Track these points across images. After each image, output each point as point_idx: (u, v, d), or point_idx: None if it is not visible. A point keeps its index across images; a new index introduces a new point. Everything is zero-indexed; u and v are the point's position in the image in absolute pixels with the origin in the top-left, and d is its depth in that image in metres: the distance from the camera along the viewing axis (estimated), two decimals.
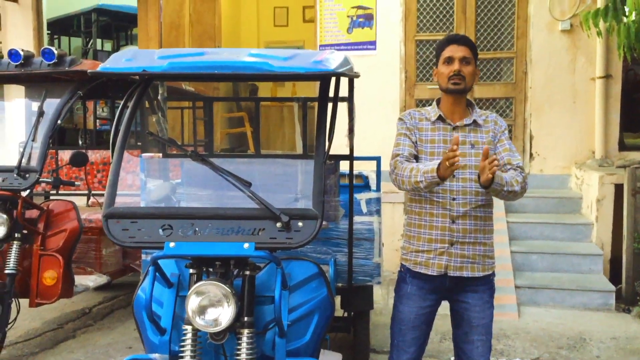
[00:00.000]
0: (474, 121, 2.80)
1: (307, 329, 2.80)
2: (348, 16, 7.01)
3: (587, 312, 5.06)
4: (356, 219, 3.77)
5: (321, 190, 2.63)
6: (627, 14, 4.48)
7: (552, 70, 6.60)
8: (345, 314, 4.26)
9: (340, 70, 2.66)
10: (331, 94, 3.12)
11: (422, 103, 6.82)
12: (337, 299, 4.07)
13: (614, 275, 5.57)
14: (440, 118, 2.78)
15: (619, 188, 5.62)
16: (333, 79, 2.91)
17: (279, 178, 3.12)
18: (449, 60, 2.74)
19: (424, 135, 2.78)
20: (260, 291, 2.71)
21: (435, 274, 2.74)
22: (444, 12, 6.89)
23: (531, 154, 6.71)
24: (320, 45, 7.10)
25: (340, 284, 3.81)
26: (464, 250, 2.73)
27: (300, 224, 2.54)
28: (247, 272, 2.58)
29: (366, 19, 6.98)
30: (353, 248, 3.67)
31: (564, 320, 4.86)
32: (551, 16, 6.48)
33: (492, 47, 6.84)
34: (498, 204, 6.23)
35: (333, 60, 2.70)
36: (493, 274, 2.86)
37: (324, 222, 2.89)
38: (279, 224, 2.52)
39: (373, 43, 7.05)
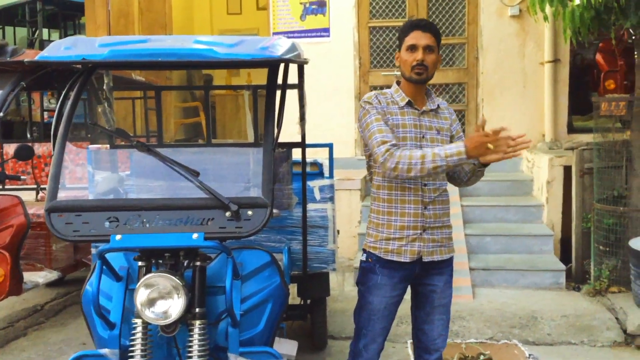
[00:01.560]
0: (438, 106, 2.83)
1: (260, 317, 2.79)
2: (301, 3, 6.97)
3: (539, 292, 5.18)
4: (310, 206, 3.76)
5: (270, 178, 2.61)
6: None
7: (503, 55, 6.70)
8: (302, 302, 4.28)
9: (287, 56, 2.64)
10: (282, 81, 3.12)
11: (377, 90, 6.84)
12: (293, 287, 4.09)
13: (564, 255, 5.72)
14: (409, 103, 2.77)
15: (567, 170, 5.76)
16: (281, 66, 2.88)
17: (229, 167, 3.08)
18: (413, 48, 2.71)
19: (395, 120, 2.74)
20: (211, 282, 2.68)
21: (408, 260, 2.73)
22: None
23: None
24: (274, 33, 7.04)
25: (295, 272, 3.81)
26: (434, 235, 2.75)
27: (249, 212, 2.52)
28: (198, 263, 2.55)
29: (319, 6, 6.95)
30: (307, 235, 3.67)
31: (516, 300, 4.97)
32: (501, 2, 6.58)
33: (444, 33, 6.88)
34: (453, 189, 6.32)
35: (280, 46, 2.67)
36: (453, 256, 2.90)
37: (275, 211, 2.87)
38: (228, 213, 2.50)
39: (327, 30, 7.03)
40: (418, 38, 2.70)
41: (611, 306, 4.69)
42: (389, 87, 2.93)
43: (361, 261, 2.86)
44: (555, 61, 6.49)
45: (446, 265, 2.83)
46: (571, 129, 6.87)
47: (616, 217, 5.01)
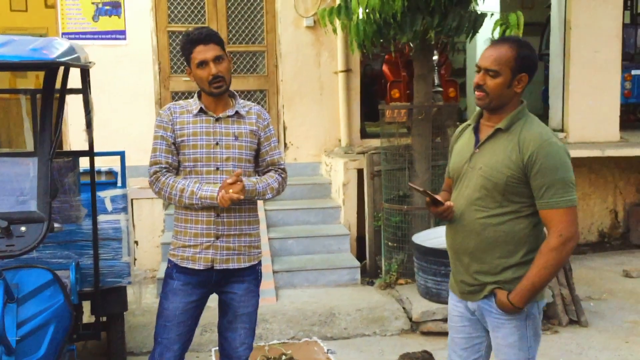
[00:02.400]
0: (237, 112, 2.81)
1: (41, 342, 2.58)
2: (93, 3, 6.58)
3: (338, 289, 5.47)
4: (101, 218, 3.57)
5: (48, 190, 2.44)
6: (357, 12, 4.90)
7: (300, 64, 6.97)
8: (101, 319, 4.03)
9: (63, 59, 2.48)
10: (62, 85, 2.92)
11: (178, 96, 6.71)
12: (88, 305, 3.84)
13: (360, 252, 6.12)
14: (202, 110, 2.75)
15: (361, 172, 6.17)
16: (61, 69, 2.69)
17: (2, 179, 2.80)
18: (203, 64, 2.68)
19: (186, 129, 2.72)
20: None
21: (202, 268, 2.73)
22: (195, 4, 6.84)
23: (285, 144, 7.02)
24: (63, 33, 6.56)
25: (88, 289, 3.58)
26: (229, 243, 2.75)
27: (23, 228, 2.33)
28: None
29: (113, 7, 6.62)
30: (99, 249, 3.48)
31: (317, 299, 5.19)
32: (296, 13, 6.83)
33: (244, 41, 6.98)
34: None
35: (55, 48, 2.50)
36: (259, 264, 2.92)
37: (57, 225, 2.69)
38: None
39: (122, 32, 6.72)
40: (204, 52, 2.68)
41: (399, 297, 5.11)
42: (191, 92, 2.91)
43: (166, 267, 2.85)
44: (348, 71, 6.91)
45: (248, 274, 2.84)
46: (364, 134, 7.36)
47: (402, 215, 5.48)
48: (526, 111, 2.41)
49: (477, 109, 2.49)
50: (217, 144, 2.74)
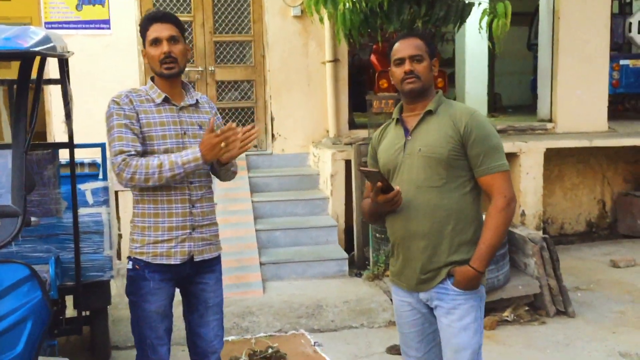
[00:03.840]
0: (197, 101, 2.76)
1: (18, 338, 2.51)
2: None
3: (325, 280, 5.44)
4: (82, 211, 3.51)
5: (22, 183, 2.37)
6: (343, 1, 4.83)
7: (288, 54, 6.90)
8: (83, 314, 3.97)
9: (37, 48, 2.40)
10: (37, 75, 2.84)
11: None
12: (70, 300, 3.79)
13: (348, 244, 6.08)
14: (166, 99, 2.67)
15: (348, 164, 6.13)
16: (38, 59, 2.62)
17: None
18: (156, 42, 2.60)
19: (151, 118, 2.62)
20: None
21: (179, 262, 2.65)
22: None
23: (273, 135, 6.97)
24: (46, 23, 6.45)
25: (69, 283, 3.53)
26: (203, 234, 2.70)
27: None
28: None
29: None
30: (80, 243, 3.42)
31: (304, 291, 5.16)
32: (283, 2, 6.75)
33: (230, 30, 6.90)
34: (244, 185, 6.38)
35: (29, 37, 2.43)
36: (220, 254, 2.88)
37: (33, 219, 2.62)
38: None
39: (107, 22, 6.62)
40: (159, 31, 2.61)
41: (387, 289, 5.08)
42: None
43: (128, 269, 2.71)
44: (335, 61, 6.84)
45: (216, 263, 2.82)
46: (352, 125, 7.32)
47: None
48: (444, 97, 2.60)
49: (398, 105, 2.63)
50: (184, 133, 2.67)
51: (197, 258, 2.68)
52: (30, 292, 2.61)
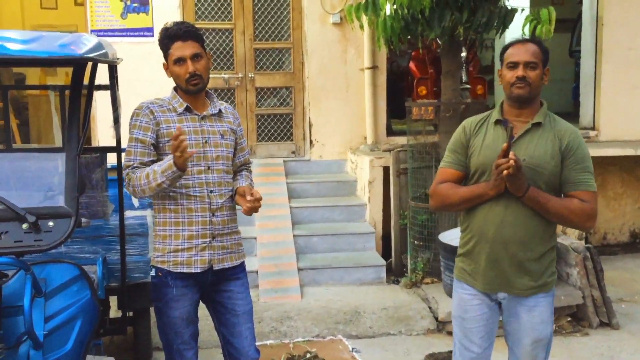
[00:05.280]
0: (220, 111, 2.80)
1: (68, 336, 2.59)
2: (121, 0, 6.63)
3: (362, 287, 5.43)
4: (128, 213, 3.59)
5: (75, 185, 2.44)
6: (384, 8, 4.84)
7: (326, 60, 6.93)
8: (127, 314, 4.06)
9: (91, 55, 2.48)
10: (89, 81, 2.93)
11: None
12: (115, 300, 3.87)
13: (385, 251, 6.07)
14: (187, 109, 2.71)
15: (386, 170, 6.12)
16: (89, 65, 2.70)
17: (31, 174, 2.83)
18: (180, 61, 2.64)
19: (173, 128, 2.63)
20: (10, 301, 2.44)
21: (199, 270, 2.68)
22: (222, 1, 6.86)
23: (311, 141, 7.00)
24: (92, 30, 6.62)
25: (114, 284, 3.61)
26: (224, 242, 2.74)
27: (50, 223, 2.34)
28: None
29: (141, 4, 6.67)
30: (126, 244, 3.49)
31: (342, 297, 5.16)
32: (323, 9, 6.80)
33: (270, 37, 6.98)
34: (282, 191, 6.42)
35: (83, 44, 2.51)
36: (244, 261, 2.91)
37: (84, 220, 2.70)
38: (25, 225, 2.30)
39: (150, 29, 6.76)
40: (182, 49, 2.63)
41: (425, 296, 5.05)
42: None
43: (152, 277, 2.75)
44: (374, 68, 6.85)
45: (240, 271, 2.84)
46: (390, 132, 7.30)
47: (428, 214, 5.41)
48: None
49: (498, 106, 2.66)
50: (206, 142, 2.71)
51: (216, 267, 2.71)
52: (80, 292, 2.70)
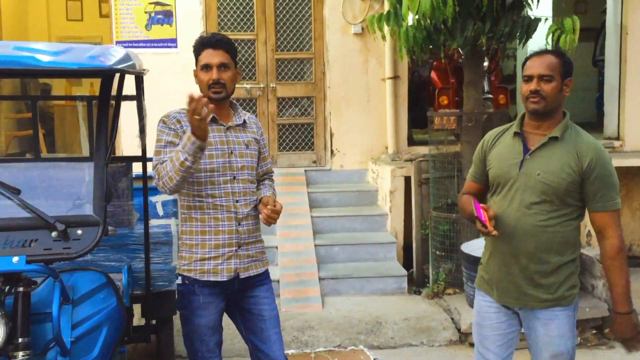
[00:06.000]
0: (244, 121, 2.84)
1: (95, 343, 2.62)
2: (146, 12, 6.74)
3: (384, 297, 5.41)
4: (152, 222, 3.63)
5: (103, 194, 2.48)
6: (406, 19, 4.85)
7: (348, 71, 6.96)
8: (151, 322, 4.09)
9: (119, 66, 2.53)
10: (117, 92, 2.97)
11: None
12: (138, 308, 3.90)
13: (407, 261, 6.04)
14: (213, 119, 2.73)
15: (408, 180, 6.10)
16: (116, 76, 2.75)
17: (59, 183, 2.89)
18: (207, 67, 2.68)
19: None
20: (38, 308, 2.48)
21: (225, 279, 2.71)
22: (245, 12, 6.93)
23: (332, 151, 7.02)
24: (117, 42, 6.74)
25: (138, 292, 3.64)
26: (249, 251, 2.77)
27: (79, 231, 2.38)
28: (21, 289, 2.35)
29: (165, 16, 6.77)
30: (150, 253, 3.53)
31: (363, 307, 5.15)
32: (344, 20, 6.83)
33: (292, 48, 7.03)
34: (303, 201, 6.44)
35: (111, 55, 2.56)
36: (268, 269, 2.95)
37: (111, 228, 2.73)
38: (54, 233, 2.34)
39: (174, 41, 6.86)
40: (210, 57, 2.68)
41: (447, 307, 5.02)
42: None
43: (178, 285, 2.78)
44: (395, 78, 6.86)
45: (265, 277, 2.87)
46: (411, 142, 7.29)
47: (450, 224, 5.39)
48: (570, 121, 2.57)
49: (519, 118, 2.63)
50: (231, 152, 2.74)
51: (242, 275, 2.74)
52: (106, 299, 2.73)
